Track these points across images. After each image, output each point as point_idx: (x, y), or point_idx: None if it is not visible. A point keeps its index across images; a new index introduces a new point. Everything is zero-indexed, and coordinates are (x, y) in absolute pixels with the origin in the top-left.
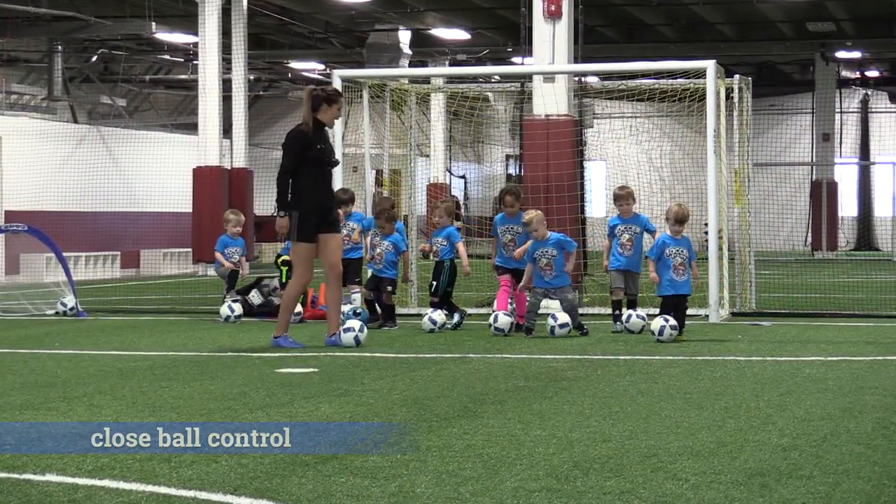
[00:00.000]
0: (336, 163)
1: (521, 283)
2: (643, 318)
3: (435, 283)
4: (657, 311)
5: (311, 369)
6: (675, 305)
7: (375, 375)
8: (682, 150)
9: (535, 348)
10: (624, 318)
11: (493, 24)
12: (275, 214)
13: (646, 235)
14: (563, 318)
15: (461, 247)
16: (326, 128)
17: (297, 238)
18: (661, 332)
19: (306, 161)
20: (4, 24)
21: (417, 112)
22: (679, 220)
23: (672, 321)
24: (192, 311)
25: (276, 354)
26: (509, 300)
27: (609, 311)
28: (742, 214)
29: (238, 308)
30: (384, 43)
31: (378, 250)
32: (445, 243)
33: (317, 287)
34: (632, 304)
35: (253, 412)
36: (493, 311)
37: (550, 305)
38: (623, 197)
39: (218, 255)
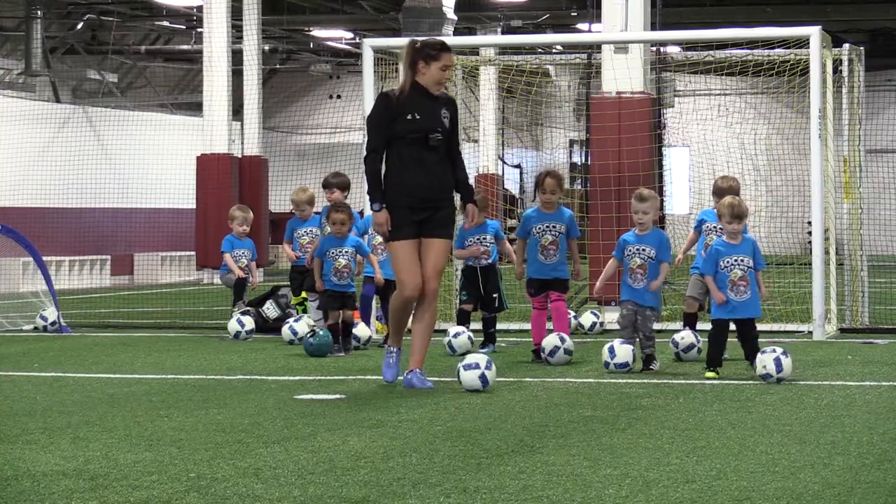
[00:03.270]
0: (437, 139)
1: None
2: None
3: (496, 294)
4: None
5: (338, 396)
6: (740, 334)
7: (413, 403)
8: (781, 134)
9: (603, 371)
10: (681, 349)
11: None
12: (371, 208)
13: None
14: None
15: (507, 245)
16: (440, 93)
17: (391, 237)
18: (551, 354)
19: (394, 136)
20: None
21: (464, 89)
22: (737, 215)
23: (568, 341)
24: (195, 326)
25: (295, 378)
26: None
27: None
28: (853, 211)
29: (249, 322)
30: (424, 6)
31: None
32: (494, 241)
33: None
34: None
35: (268, 446)
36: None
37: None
38: (725, 191)
39: (226, 256)
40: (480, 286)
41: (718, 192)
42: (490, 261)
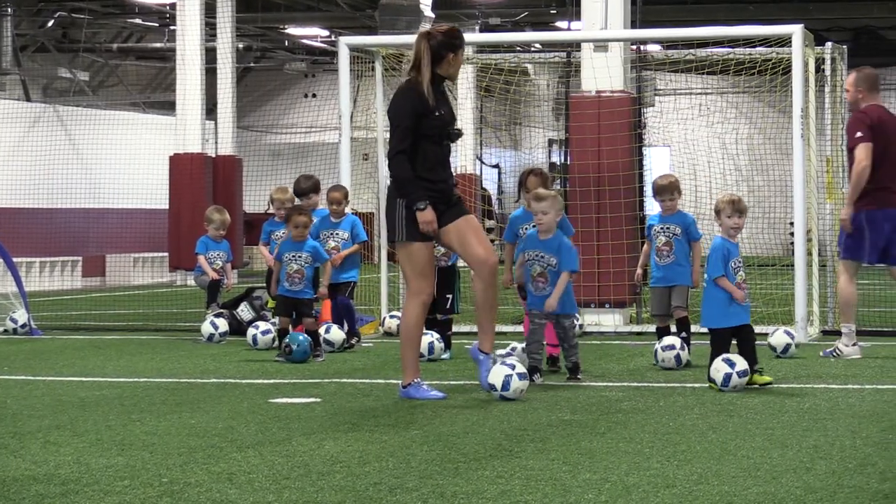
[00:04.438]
0: (460, 134)
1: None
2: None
3: (450, 295)
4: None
5: (313, 399)
6: (743, 339)
7: (390, 407)
8: (763, 134)
9: (584, 374)
10: (660, 346)
11: None
12: (415, 208)
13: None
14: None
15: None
16: (447, 85)
17: (406, 237)
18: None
19: (421, 134)
20: None
21: None
22: (739, 210)
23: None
24: (168, 328)
25: (270, 381)
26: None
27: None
28: (835, 212)
29: (223, 325)
30: (401, 4)
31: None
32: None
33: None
34: (683, 326)
35: (242, 451)
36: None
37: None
38: (667, 189)
39: (200, 258)
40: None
41: (659, 191)
42: (450, 262)
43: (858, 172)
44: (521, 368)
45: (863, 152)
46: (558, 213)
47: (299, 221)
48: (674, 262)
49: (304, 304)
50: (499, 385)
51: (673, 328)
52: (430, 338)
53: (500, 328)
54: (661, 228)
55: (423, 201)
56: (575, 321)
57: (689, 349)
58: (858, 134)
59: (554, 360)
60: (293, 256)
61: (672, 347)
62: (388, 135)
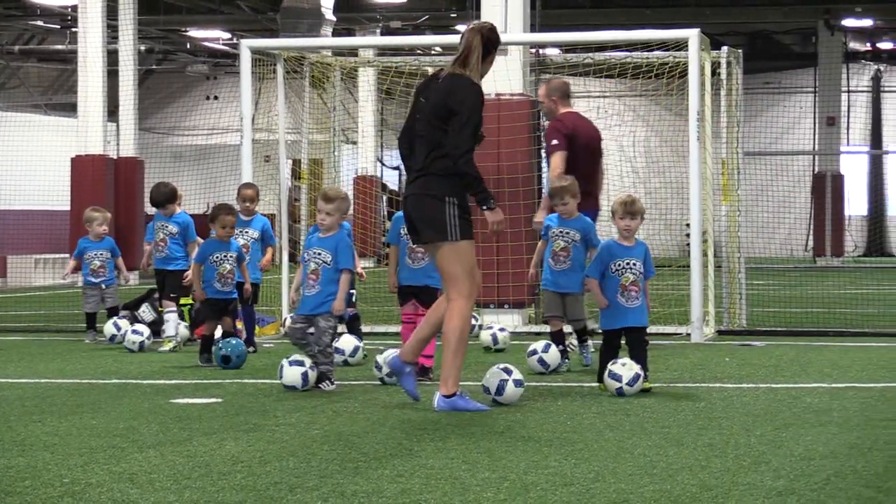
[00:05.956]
0: (483, 137)
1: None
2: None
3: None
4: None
5: (214, 399)
6: (629, 342)
7: (291, 407)
8: (660, 137)
9: (481, 373)
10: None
11: None
12: (487, 207)
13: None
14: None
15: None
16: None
17: (460, 235)
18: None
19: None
20: None
21: (343, 90)
22: (631, 212)
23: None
24: (69, 329)
25: (171, 382)
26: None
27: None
28: (731, 213)
29: (125, 325)
30: (302, 7)
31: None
32: None
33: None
34: (582, 336)
35: (143, 451)
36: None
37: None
38: (559, 193)
39: (71, 262)
40: None
41: (553, 194)
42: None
43: (553, 180)
44: (517, 374)
45: (557, 160)
46: (342, 216)
47: (227, 221)
48: (568, 268)
49: (233, 303)
50: (493, 389)
51: (568, 330)
52: (357, 342)
53: (388, 328)
54: (560, 232)
55: (494, 200)
56: (333, 324)
57: (588, 353)
58: (554, 142)
59: (425, 371)
60: (224, 256)
61: (534, 352)
62: (289, 136)
